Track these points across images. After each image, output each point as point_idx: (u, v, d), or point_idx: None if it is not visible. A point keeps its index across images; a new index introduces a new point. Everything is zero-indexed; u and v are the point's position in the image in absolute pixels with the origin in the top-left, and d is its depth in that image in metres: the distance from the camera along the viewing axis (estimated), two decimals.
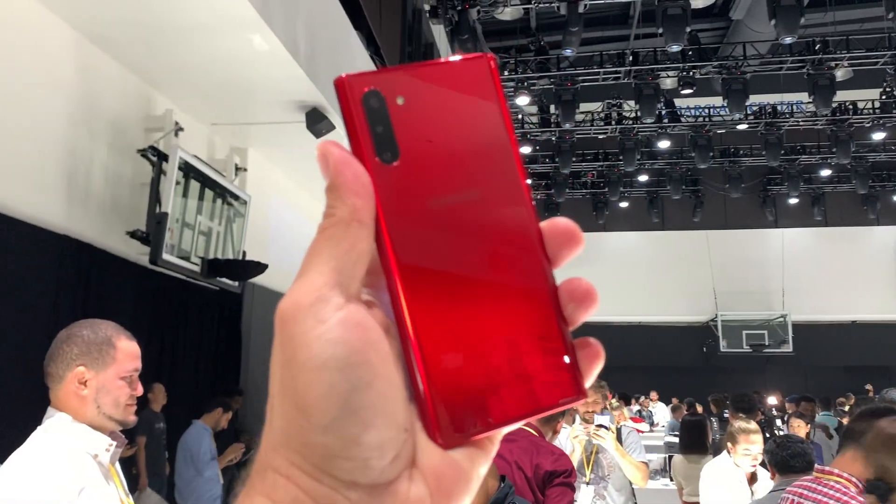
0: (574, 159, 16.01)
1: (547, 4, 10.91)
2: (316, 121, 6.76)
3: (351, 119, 0.40)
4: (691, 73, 12.58)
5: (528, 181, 0.44)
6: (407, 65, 0.43)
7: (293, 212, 9.62)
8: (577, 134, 15.23)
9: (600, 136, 15.96)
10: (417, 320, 0.39)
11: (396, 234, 0.40)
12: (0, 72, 4.73)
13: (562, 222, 0.43)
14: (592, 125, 15.21)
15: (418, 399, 0.39)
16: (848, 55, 12.28)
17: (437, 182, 0.41)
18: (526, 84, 12.77)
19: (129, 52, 5.79)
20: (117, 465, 1.96)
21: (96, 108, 5.73)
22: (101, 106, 5.79)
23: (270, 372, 0.39)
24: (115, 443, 1.90)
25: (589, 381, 0.42)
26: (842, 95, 13.42)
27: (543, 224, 0.43)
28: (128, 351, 1.94)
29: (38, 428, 1.86)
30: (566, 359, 0.42)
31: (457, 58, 0.44)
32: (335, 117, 6.57)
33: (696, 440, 6.32)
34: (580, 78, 12.83)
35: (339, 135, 6.86)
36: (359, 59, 7.72)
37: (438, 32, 12.16)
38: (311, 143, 6.89)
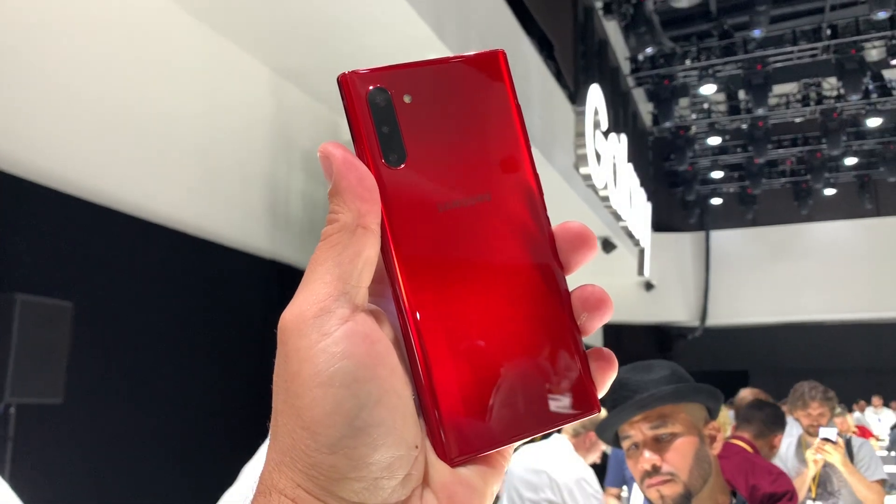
0: (769, 146, 14.92)
1: None
2: None
3: (356, 118, 0.38)
4: None
5: (540, 184, 0.42)
6: (414, 62, 0.40)
7: None
8: (772, 119, 14.21)
9: (797, 120, 14.77)
10: (424, 332, 0.38)
11: (403, 241, 0.38)
12: (208, 113, 5.17)
13: (574, 226, 0.41)
14: (788, 108, 14.11)
15: (426, 415, 0.38)
16: None
17: (446, 185, 0.39)
18: (710, 71, 12.10)
19: (316, 84, 6.13)
20: None
21: (291, 140, 6.12)
22: (295, 137, 6.18)
23: (274, 387, 0.37)
24: None
25: (602, 392, 0.41)
26: None
27: (555, 228, 0.42)
28: None
29: (267, 439, 1.97)
30: (578, 371, 0.40)
31: (467, 54, 0.41)
32: None
33: None
34: (771, 59, 11.96)
35: None
36: (532, 65, 7.67)
37: (612, 29, 11.86)
38: None
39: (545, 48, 8.69)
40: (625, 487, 4.41)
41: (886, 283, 16.70)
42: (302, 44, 5.48)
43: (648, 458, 1.61)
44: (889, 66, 12.53)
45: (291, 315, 0.37)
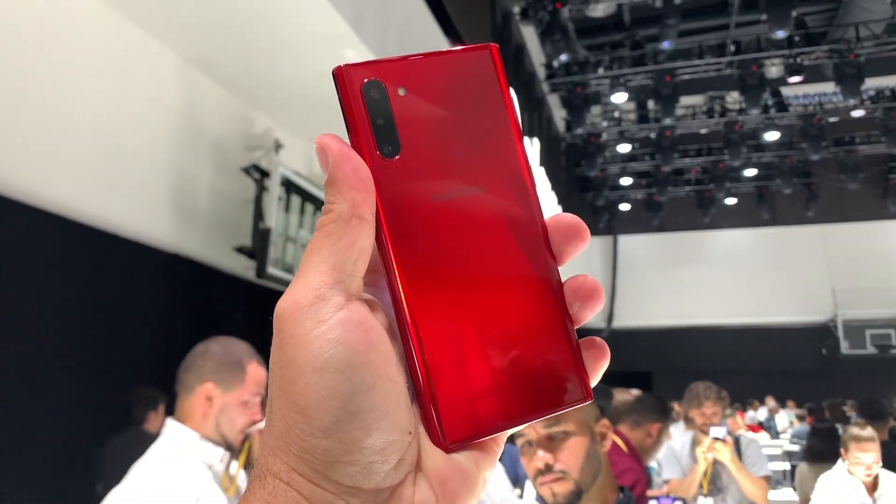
0: (676, 155, 15.48)
1: None
2: None
3: (350, 111, 0.39)
4: (799, 60, 11.93)
5: (533, 175, 0.43)
6: (409, 55, 0.40)
7: None
8: (678, 129, 14.76)
9: (703, 131, 15.39)
10: (418, 320, 0.38)
11: (397, 231, 0.38)
12: (111, 98, 4.97)
13: (567, 217, 0.42)
14: (694, 119, 14.69)
15: (420, 401, 0.38)
16: None
17: (440, 176, 0.40)
18: (622, 80, 12.46)
19: (228, 73, 5.99)
20: (231, 469, 1.99)
21: (200, 130, 5.95)
22: (204, 127, 6.00)
23: (270, 373, 0.37)
24: (228, 453, 1.96)
25: (594, 381, 0.42)
26: None
27: (548, 219, 0.42)
28: (255, 376, 2.00)
29: (159, 439, 1.93)
30: (571, 359, 0.41)
31: (460, 47, 0.42)
32: None
33: (827, 448, 5.94)
34: (679, 71, 12.42)
35: None
36: None
37: (529, 34, 12.06)
38: None
39: None
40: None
41: (780, 289, 17.67)
42: (213, 32, 5.33)
43: (542, 456, 1.65)
44: (786, 84, 13.22)
45: (287, 303, 0.37)
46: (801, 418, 11.80)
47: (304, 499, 0.36)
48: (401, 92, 0.40)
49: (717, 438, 3.89)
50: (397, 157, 0.39)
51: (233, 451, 1.97)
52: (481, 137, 0.41)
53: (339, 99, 0.39)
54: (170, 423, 1.95)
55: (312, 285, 0.37)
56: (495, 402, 0.39)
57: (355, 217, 0.37)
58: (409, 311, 0.38)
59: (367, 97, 0.39)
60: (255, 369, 2.00)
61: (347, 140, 0.40)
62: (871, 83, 13.08)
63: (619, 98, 13.04)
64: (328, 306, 0.36)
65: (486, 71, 0.42)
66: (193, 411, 1.93)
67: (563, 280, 0.42)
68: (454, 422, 0.38)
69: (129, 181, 5.15)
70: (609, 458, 3.08)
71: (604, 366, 0.42)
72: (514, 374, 0.40)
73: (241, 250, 6.14)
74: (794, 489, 6.50)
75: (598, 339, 0.42)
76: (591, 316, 0.42)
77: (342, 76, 0.39)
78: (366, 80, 0.39)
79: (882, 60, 12.47)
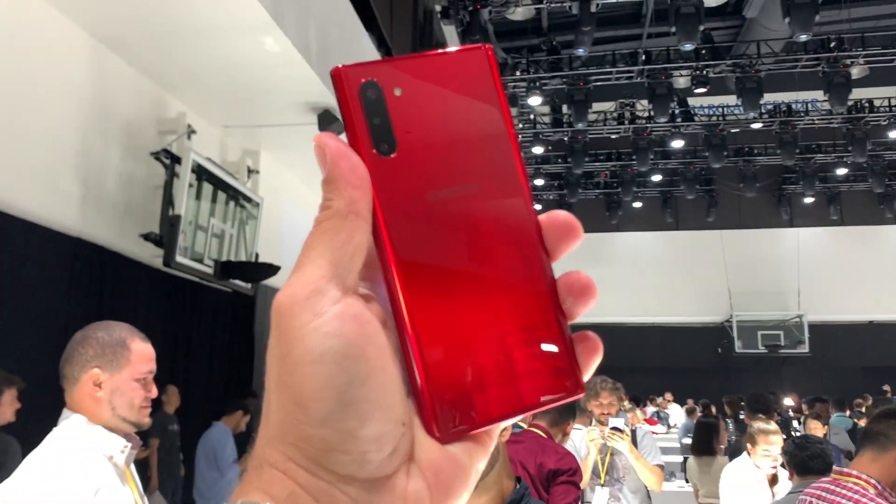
0: (587, 159, 15.94)
1: (559, 4, 10.88)
2: (328, 122, 6.76)
3: (348, 110, 0.40)
4: (705, 72, 12.50)
5: (527, 173, 0.43)
6: (405, 56, 0.42)
7: (305, 214, 9.64)
8: (590, 134, 15.18)
9: (613, 136, 15.89)
10: (414, 313, 0.39)
11: (393, 227, 0.39)
12: (14, 76, 4.75)
13: (561, 215, 0.43)
14: (605, 125, 15.15)
15: (415, 393, 0.39)
16: (864, 53, 12.16)
17: (435, 174, 0.41)
18: (538, 84, 12.73)
19: (141, 55, 5.82)
20: (132, 466, 1.96)
21: (109, 112, 5.76)
22: (114, 109, 5.81)
23: (267, 366, 0.39)
24: (129, 444, 1.90)
25: (587, 375, 0.42)
26: (857, 93, 13.33)
27: (542, 217, 0.43)
28: (142, 353, 1.93)
29: (54, 429, 1.86)
30: (564, 353, 0.41)
31: (455, 48, 0.43)
32: None
33: (705, 442, 6.28)
34: (592, 77, 12.78)
35: None
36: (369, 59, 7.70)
37: (450, 33, 12.16)
38: None
39: (384, 46, 8.77)
40: None
41: (681, 290, 18.45)
42: (126, 11, 5.17)
43: None
44: (693, 94, 13.81)
45: (284, 296, 0.38)
46: (689, 412, 12.36)
47: (300, 487, 0.37)
48: (397, 92, 0.41)
49: (615, 429, 4.08)
50: (394, 155, 0.40)
51: (140, 429, 1.93)
52: (476, 136, 0.42)
53: (337, 99, 0.40)
54: (65, 413, 1.89)
55: (310, 279, 0.37)
56: (490, 395, 0.40)
57: (352, 213, 0.38)
58: (406, 304, 0.39)
59: (363, 97, 0.40)
60: (139, 346, 1.93)
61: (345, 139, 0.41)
62: (770, 98, 13.82)
63: (535, 101, 13.30)
64: (325, 300, 0.37)
65: (481, 71, 0.43)
66: (84, 401, 1.86)
67: (556, 276, 0.43)
68: (449, 413, 0.39)
69: (32, 162, 4.94)
70: (548, 445, 3.20)
71: (596, 360, 0.43)
72: (509, 367, 0.40)
73: (148, 237, 5.98)
74: (686, 480, 6.84)
75: (591, 333, 0.43)
76: (585, 311, 0.43)
77: (340, 77, 0.40)
78: (363, 81, 0.40)
79: (779, 77, 13.21)
